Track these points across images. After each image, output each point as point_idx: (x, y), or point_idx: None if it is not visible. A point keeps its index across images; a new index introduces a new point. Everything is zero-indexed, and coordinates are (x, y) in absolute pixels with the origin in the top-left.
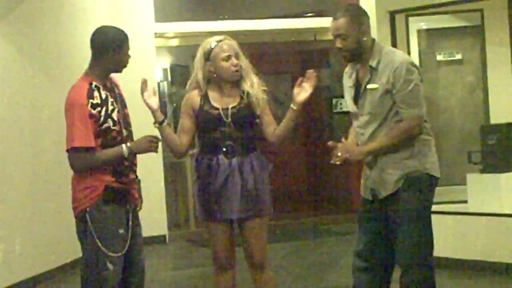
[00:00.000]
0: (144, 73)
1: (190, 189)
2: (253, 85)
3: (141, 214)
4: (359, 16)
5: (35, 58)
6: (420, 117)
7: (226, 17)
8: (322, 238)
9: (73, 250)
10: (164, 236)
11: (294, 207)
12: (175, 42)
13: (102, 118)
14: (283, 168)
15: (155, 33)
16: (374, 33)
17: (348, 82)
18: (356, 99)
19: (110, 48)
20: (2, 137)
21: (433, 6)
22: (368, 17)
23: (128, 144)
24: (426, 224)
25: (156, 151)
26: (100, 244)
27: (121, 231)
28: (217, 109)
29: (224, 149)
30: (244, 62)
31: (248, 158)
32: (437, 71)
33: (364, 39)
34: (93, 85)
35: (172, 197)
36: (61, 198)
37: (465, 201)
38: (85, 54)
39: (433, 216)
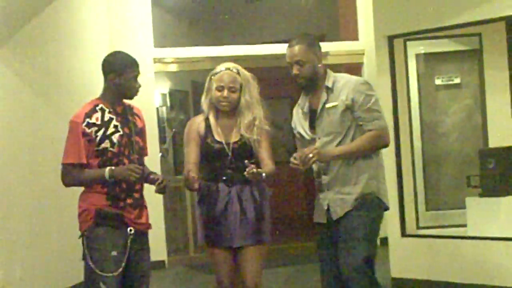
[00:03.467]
0: (143, 97)
1: (189, 214)
2: (251, 123)
3: None
4: (314, 44)
5: (35, 83)
6: (386, 128)
7: (226, 42)
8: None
9: (75, 275)
10: (163, 261)
11: (294, 231)
12: (174, 67)
13: (98, 139)
14: (282, 193)
15: (154, 58)
16: (372, 58)
17: (300, 111)
18: (312, 125)
19: (110, 72)
20: (2, 162)
21: (432, 30)
22: (320, 47)
23: (113, 168)
24: (371, 244)
25: (134, 180)
26: (92, 265)
27: (114, 253)
28: (220, 143)
29: (224, 178)
30: (248, 97)
31: (248, 186)
32: (436, 95)
33: (319, 65)
34: (98, 107)
35: (172, 223)
36: (63, 222)
37: (464, 225)
38: (84, 80)
39: (433, 240)
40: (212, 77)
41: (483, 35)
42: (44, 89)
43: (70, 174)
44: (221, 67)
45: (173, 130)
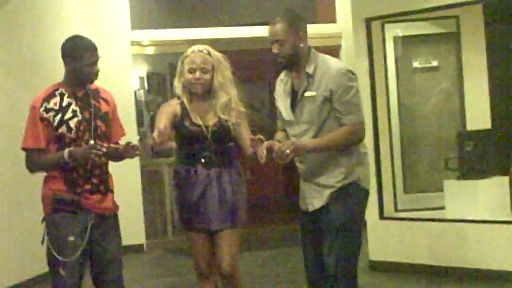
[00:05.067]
0: (120, 80)
1: (167, 197)
2: (226, 104)
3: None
4: (296, 22)
5: (10, 69)
6: (362, 122)
7: (203, 24)
8: (298, 246)
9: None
10: (141, 245)
11: (270, 214)
12: (151, 50)
13: (55, 123)
14: (260, 176)
15: (132, 41)
16: (350, 40)
17: (282, 89)
18: (293, 107)
19: (68, 57)
20: None
21: (409, 13)
22: (305, 24)
23: (72, 148)
24: (353, 237)
25: (95, 158)
26: (52, 250)
27: (70, 238)
28: (199, 126)
29: (202, 160)
30: (221, 77)
31: (227, 168)
32: (413, 78)
33: (301, 45)
34: (58, 91)
35: (150, 206)
36: (37, 206)
37: (443, 208)
38: (60, 64)
39: (411, 223)
40: (184, 60)
41: (461, 18)
42: (20, 75)
43: (31, 159)
44: (192, 49)
45: (151, 113)
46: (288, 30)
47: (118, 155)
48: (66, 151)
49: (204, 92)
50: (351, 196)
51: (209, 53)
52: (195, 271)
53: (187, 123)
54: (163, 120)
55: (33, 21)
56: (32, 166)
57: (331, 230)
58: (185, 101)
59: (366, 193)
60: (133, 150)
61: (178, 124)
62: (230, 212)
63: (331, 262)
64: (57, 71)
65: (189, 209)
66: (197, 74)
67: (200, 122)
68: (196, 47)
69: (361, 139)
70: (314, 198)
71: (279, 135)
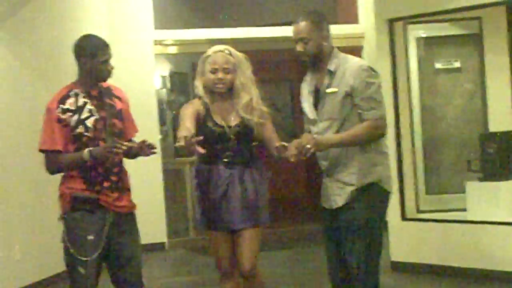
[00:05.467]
0: (143, 80)
1: (189, 196)
2: (248, 104)
3: (140, 221)
4: (320, 21)
5: (35, 66)
6: (383, 118)
7: (225, 24)
8: (320, 246)
9: None
10: (163, 243)
11: (293, 214)
12: (174, 50)
13: (72, 124)
14: (282, 175)
15: (155, 40)
16: (372, 41)
17: (307, 88)
18: (315, 105)
19: (82, 55)
20: (1, 142)
21: (432, 14)
22: (328, 24)
23: (91, 148)
24: (373, 237)
25: (114, 157)
26: (71, 249)
27: (90, 237)
28: (221, 127)
29: (225, 159)
30: (242, 77)
31: (249, 168)
32: (436, 79)
33: (325, 44)
34: (72, 92)
35: (172, 205)
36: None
37: (464, 209)
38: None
39: (433, 224)
40: (205, 60)
41: (483, 19)
42: (44, 73)
43: (49, 161)
44: (213, 49)
45: (173, 112)
46: (313, 29)
47: (133, 153)
48: (86, 151)
49: (226, 92)
50: (373, 196)
51: (230, 53)
52: (217, 270)
53: (209, 124)
54: (187, 123)
55: (56, 20)
56: (51, 167)
57: (353, 229)
58: (207, 101)
59: (387, 194)
60: (148, 148)
61: (201, 124)
62: (252, 212)
63: (353, 261)
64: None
65: (211, 208)
66: (220, 74)
67: (223, 123)
68: (217, 47)
69: (383, 134)
70: (337, 196)
71: (303, 137)
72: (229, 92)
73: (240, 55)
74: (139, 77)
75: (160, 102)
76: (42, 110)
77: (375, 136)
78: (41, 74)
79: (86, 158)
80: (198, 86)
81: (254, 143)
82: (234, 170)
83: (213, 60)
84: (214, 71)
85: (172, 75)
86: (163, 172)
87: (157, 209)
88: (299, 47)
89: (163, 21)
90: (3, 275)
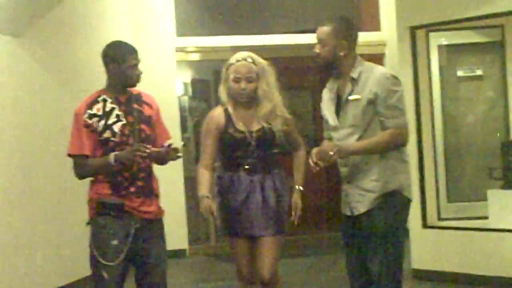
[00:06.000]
0: (165, 86)
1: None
2: (271, 112)
3: None
4: (343, 29)
5: (58, 72)
6: (406, 126)
7: (247, 31)
8: (340, 253)
9: (84, 267)
10: (184, 250)
11: (313, 222)
12: (196, 57)
13: (99, 129)
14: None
15: (176, 47)
16: (394, 48)
17: (328, 96)
18: (337, 112)
19: (110, 61)
20: (24, 148)
21: (454, 21)
22: (355, 32)
23: (117, 152)
24: (395, 245)
25: (140, 161)
26: (96, 254)
27: (114, 242)
28: (242, 132)
29: (246, 166)
30: (265, 85)
31: (270, 175)
32: (458, 86)
33: (340, 53)
34: (100, 98)
35: (193, 212)
36: (82, 210)
37: (486, 217)
38: (103, 69)
39: (454, 232)
40: (228, 67)
41: (506, 27)
42: (66, 78)
43: (77, 166)
44: (237, 57)
45: (195, 119)
46: (332, 34)
47: (161, 158)
48: (112, 155)
49: (249, 100)
50: (394, 204)
51: (253, 61)
52: (237, 277)
53: (231, 130)
54: (209, 148)
55: (79, 27)
56: (80, 172)
57: (374, 236)
58: (229, 108)
59: (408, 202)
60: (174, 152)
61: (222, 132)
62: (272, 219)
63: (375, 269)
64: (100, 77)
65: (232, 215)
66: (242, 84)
67: (244, 129)
68: (240, 55)
69: (404, 143)
70: (358, 202)
71: (325, 144)
72: (252, 99)
73: (263, 62)
74: (161, 84)
75: (182, 109)
76: (64, 116)
77: (397, 144)
78: (64, 81)
79: (112, 162)
80: (222, 92)
81: (275, 150)
82: (255, 177)
83: (236, 69)
84: (237, 80)
85: (194, 82)
86: (184, 179)
87: (178, 216)
88: (316, 48)
89: (185, 28)
90: (25, 280)
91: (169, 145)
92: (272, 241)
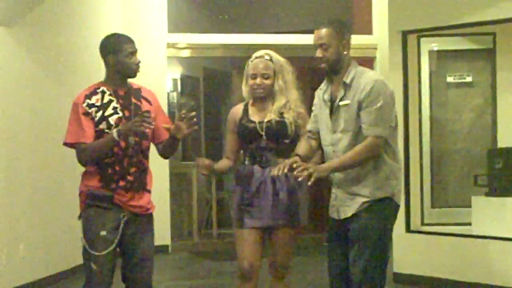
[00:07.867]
0: (154, 82)
1: (195, 200)
2: (284, 106)
3: None
4: (342, 29)
5: (47, 64)
6: (381, 136)
7: (239, 30)
8: (321, 255)
9: (77, 256)
10: (167, 246)
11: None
12: (186, 53)
13: (96, 119)
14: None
15: (167, 43)
16: (385, 52)
17: (321, 98)
18: (330, 116)
19: (108, 52)
20: (10, 140)
21: (446, 28)
22: (350, 33)
23: (119, 126)
24: (382, 249)
25: (145, 128)
26: (85, 244)
27: (103, 233)
28: (253, 122)
29: (258, 159)
30: (281, 81)
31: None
32: (447, 92)
33: (344, 53)
34: (99, 89)
35: (177, 208)
36: (66, 203)
37: (469, 224)
38: (96, 62)
39: (437, 237)
40: (248, 65)
41: (497, 35)
42: (55, 70)
43: (79, 153)
44: (255, 54)
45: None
46: (334, 36)
47: (172, 136)
48: (115, 130)
49: (265, 96)
50: (385, 210)
51: (270, 59)
52: (237, 271)
53: (244, 121)
54: (230, 143)
55: (70, 20)
56: (83, 158)
57: (360, 239)
58: (249, 103)
59: (397, 208)
60: (188, 120)
61: (238, 125)
62: (284, 212)
63: (357, 272)
64: (94, 71)
65: (242, 206)
66: (258, 80)
67: (255, 119)
68: (259, 53)
69: (376, 156)
70: (347, 206)
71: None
72: (269, 95)
73: (281, 60)
74: (151, 79)
75: (170, 105)
76: (54, 107)
77: (373, 155)
78: (55, 74)
79: (116, 137)
80: (244, 89)
81: (286, 141)
82: (267, 169)
83: (253, 66)
84: (254, 77)
85: (184, 78)
86: (169, 175)
87: (162, 211)
88: (318, 53)
89: (177, 24)
90: (8, 272)
91: (182, 113)
92: (285, 232)
